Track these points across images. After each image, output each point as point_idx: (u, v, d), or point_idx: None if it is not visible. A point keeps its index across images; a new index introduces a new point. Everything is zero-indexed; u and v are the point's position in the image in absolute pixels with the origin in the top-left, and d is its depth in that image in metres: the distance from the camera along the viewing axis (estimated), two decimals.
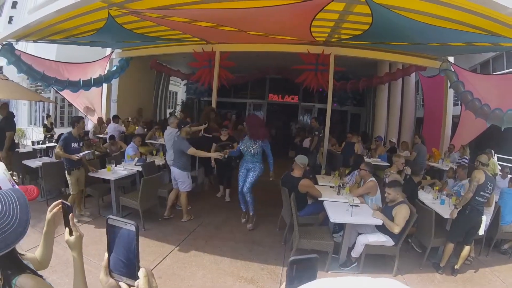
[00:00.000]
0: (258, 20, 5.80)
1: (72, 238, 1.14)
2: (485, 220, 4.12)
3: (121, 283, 0.81)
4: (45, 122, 11.71)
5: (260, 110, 16.36)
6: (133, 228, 0.78)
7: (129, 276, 0.80)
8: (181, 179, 5.24)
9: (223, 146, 6.23)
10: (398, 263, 4.07)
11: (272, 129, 14.64)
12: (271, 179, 5.14)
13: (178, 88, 19.76)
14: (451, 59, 8.19)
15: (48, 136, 10.43)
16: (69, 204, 1.17)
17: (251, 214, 5.32)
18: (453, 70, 7.54)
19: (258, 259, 4.19)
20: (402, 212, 3.89)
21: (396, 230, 3.84)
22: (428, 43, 6.22)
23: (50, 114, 13.25)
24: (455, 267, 4.20)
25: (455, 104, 10.30)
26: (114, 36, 7.41)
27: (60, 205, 1.20)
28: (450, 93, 8.73)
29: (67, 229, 1.15)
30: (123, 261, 0.81)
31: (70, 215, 1.14)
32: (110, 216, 0.81)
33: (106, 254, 0.83)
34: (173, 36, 7.65)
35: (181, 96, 19.44)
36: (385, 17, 4.93)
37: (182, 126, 5.43)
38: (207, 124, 7.01)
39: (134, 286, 0.78)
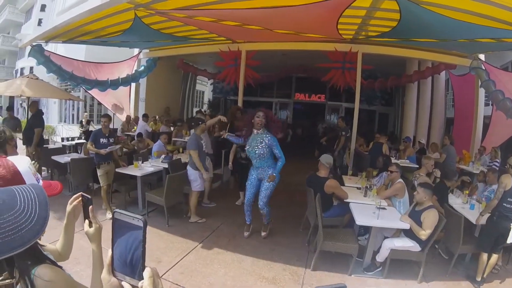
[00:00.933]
0: (284, 18, 5.74)
1: (91, 230, 1.16)
2: None
3: (123, 283, 0.78)
4: (82, 119, 12.17)
5: (287, 109, 16.32)
6: (141, 224, 0.74)
7: (133, 276, 0.76)
8: (193, 178, 5.26)
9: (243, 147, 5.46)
10: (423, 269, 3.92)
11: (298, 128, 14.60)
12: (268, 181, 4.52)
13: (205, 88, 20.14)
14: (482, 57, 7.83)
15: (82, 131, 10.85)
16: (88, 196, 1.19)
17: (265, 223, 4.84)
18: (484, 68, 7.24)
19: (280, 259, 4.16)
20: (430, 218, 3.73)
21: (423, 236, 3.70)
22: (457, 40, 5.98)
23: (86, 112, 13.78)
24: (482, 276, 3.96)
25: (486, 104, 9.82)
26: (142, 36, 7.57)
27: (80, 198, 1.22)
28: (481, 92, 8.35)
29: (86, 221, 1.17)
30: (128, 259, 0.76)
31: (90, 207, 1.16)
32: (117, 210, 0.78)
33: (109, 251, 0.80)
34: (200, 36, 7.73)
35: (208, 95, 19.77)
36: (413, 12, 4.77)
37: (192, 123, 5.51)
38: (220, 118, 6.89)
39: (137, 287, 0.75)
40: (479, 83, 7.49)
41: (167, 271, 3.67)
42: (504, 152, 8.27)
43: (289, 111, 16.39)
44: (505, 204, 3.81)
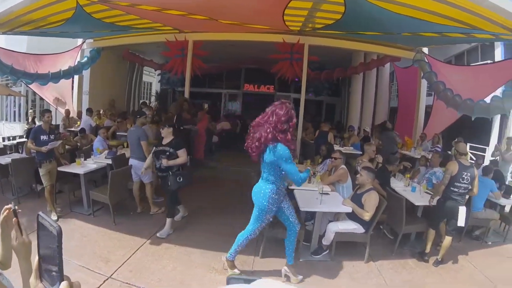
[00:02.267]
0: (229, 8, 5.71)
1: (14, 244, 1.05)
2: (463, 211, 4.14)
3: None
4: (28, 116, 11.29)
5: (236, 100, 16.32)
6: (55, 232, 0.67)
7: (52, 285, 0.70)
8: (140, 170, 5.10)
9: (159, 152, 4.57)
10: (369, 250, 4.16)
11: (248, 120, 14.68)
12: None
13: (152, 79, 19.36)
14: (425, 50, 8.35)
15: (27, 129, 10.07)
16: (15, 208, 1.09)
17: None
18: (426, 61, 7.68)
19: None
20: (371, 199, 3.96)
21: (367, 217, 3.91)
22: (401, 33, 6.28)
23: (32, 108, 12.86)
24: (438, 258, 4.29)
25: (428, 95, 10.56)
26: (84, 26, 7.18)
27: (8, 209, 1.12)
28: (424, 83, 8.93)
29: (13, 233, 1.06)
30: (48, 266, 0.71)
31: (14, 219, 1.05)
32: (40, 213, 0.72)
33: (37, 256, 0.74)
34: (145, 25, 7.47)
35: (155, 87, 19.05)
36: (358, 6, 4.95)
37: (138, 116, 5.36)
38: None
39: None
40: (422, 75, 7.94)
41: (116, 270, 3.54)
42: (446, 139, 8.93)
43: (239, 102, 16.43)
44: (452, 188, 4.14)
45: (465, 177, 4.08)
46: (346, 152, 8.00)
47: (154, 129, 6.94)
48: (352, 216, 4.08)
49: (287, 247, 3.62)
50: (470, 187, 4.16)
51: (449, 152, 8.63)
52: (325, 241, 4.07)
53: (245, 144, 3.40)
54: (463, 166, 4.13)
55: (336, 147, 7.26)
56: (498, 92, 6.80)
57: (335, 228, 3.99)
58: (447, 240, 4.23)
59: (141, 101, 14.49)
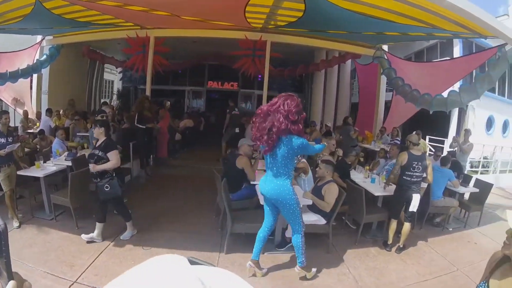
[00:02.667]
0: (190, 4, 5.67)
1: None
2: (416, 198, 4.35)
3: None
4: None
5: (200, 97, 16.20)
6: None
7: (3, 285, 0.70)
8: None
9: (89, 156, 4.21)
10: (332, 240, 4.33)
11: (211, 116, 14.63)
12: None
13: (114, 77, 18.69)
14: (385, 47, 8.66)
15: None
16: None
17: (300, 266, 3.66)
18: (386, 57, 7.97)
19: (195, 247, 4.16)
20: (331, 190, 4.12)
21: (327, 208, 4.06)
22: (363, 32, 6.47)
23: None
24: (400, 245, 4.52)
25: (388, 90, 11.01)
26: (43, 22, 6.87)
27: None
28: (383, 79, 9.26)
29: None
30: None
31: None
32: None
33: None
34: (106, 21, 7.24)
35: (117, 85, 18.45)
36: (317, 5, 5.03)
37: (96, 115, 5.23)
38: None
39: None
40: (381, 71, 8.21)
41: (81, 275, 3.46)
42: (408, 131, 9.33)
43: (203, 99, 16.35)
44: (404, 178, 4.39)
45: (416, 166, 4.32)
46: None
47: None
48: (313, 208, 4.21)
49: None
50: (424, 175, 4.43)
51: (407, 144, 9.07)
52: (288, 234, 4.14)
53: (253, 137, 3.28)
54: (414, 156, 4.37)
55: None
56: (456, 87, 7.20)
57: None
58: (406, 226, 4.46)
59: (102, 101, 14.05)
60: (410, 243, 4.75)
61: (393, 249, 4.52)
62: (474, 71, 8.05)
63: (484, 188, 6.02)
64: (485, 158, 11.93)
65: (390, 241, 4.55)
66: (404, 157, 4.37)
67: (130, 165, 6.73)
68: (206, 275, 0.48)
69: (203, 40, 8.64)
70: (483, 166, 11.42)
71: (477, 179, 6.67)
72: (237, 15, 6.25)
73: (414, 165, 4.32)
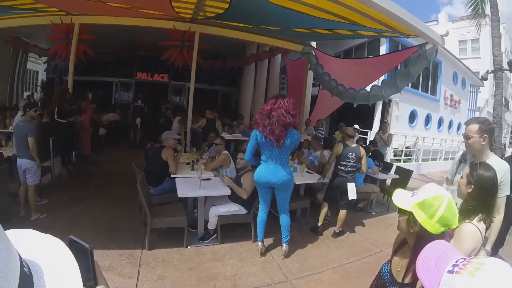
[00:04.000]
0: None
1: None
2: (352, 186, 4.64)
3: None
4: None
5: (129, 89, 15.53)
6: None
7: None
8: (33, 170, 4.56)
9: None
10: (254, 229, 4.31)
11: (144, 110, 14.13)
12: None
13: (39, 67, 17.11)
14: (313, 43, 8.92)
15: None
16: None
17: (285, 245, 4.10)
18: (314, 54, 8.17)
19: (117, 246, 3.96)
20: (248, 178, 4.19)
21: (245, 194, 4.14)
22: (292, 29, 6.56)
23: None
24: (336, 230, 4.79)
25: (314, 85, 11.50)
26: None
27: None
28: (310, 74, 9.52)
29: None
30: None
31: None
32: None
33: None
34: (28, 6, 6.50)
35: (42, 76, 16.97)
36: None
37: (27, 109, 4.74)
38: None
39: None
40: (309, 66, 8.39)
41: None
42: (334, 123, 9.74)
43: (131, 91, 15.66)
44: (339, 167, 4.66)
45: (350, 156, 4.61)
46: (235, 139, 8.35)
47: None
48: (233, 198, 4.23)
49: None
50: (358, 166, 4.71)
51: (334, 136, 9.58)
52: (210, 226, 4.14)
53: (266, 132, 3.54)
54: (348, 147, 4.65)
55: (225, 135, 7.49)
56: (379, 82, 7.62)
57: (216, 211, 4.08)
58: (342, 213, 4.73)
59: (26, 94, 12.83)
60: (333, 229, 4.97)
61: (328, 234, 4.82)
62: (397, 67, 8.64)
63: (405, 174, 6.53)
64: (407, 148, 12.97)
65: (320, 223, 4.80)
66: (339, 148, 4.66)
67: (50, 163, 6.18)
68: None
69: (132, 29, 8.19)
70: (406, 155, 12.38)
71: (398, 167, 7.21)
72: (164, 4, 5.98)
73: (348, 155, 4.61)
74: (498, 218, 2.38)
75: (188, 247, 4.01)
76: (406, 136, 12.79)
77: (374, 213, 5.98)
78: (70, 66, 7.69)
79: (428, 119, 17.04)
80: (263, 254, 4.00)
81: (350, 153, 4.61)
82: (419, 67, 5.67)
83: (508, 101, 29.50)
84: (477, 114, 21.88)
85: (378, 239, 4.87)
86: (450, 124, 19.31)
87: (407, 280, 1.42)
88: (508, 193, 2.48)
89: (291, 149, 3.78)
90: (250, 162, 3.93)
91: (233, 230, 4.37)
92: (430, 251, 1.05)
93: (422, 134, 14.08)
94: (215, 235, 4.21)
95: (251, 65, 12.46)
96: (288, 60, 10.74)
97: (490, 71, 12.79)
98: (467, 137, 2.57)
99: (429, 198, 1.34)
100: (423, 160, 12.80)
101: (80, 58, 7.96)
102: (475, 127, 2.52)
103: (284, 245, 4.03)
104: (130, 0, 5.98)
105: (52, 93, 13.64)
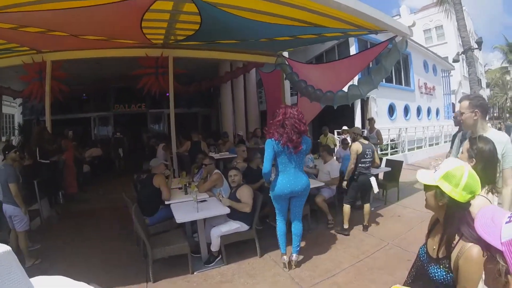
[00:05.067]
0: (85, 22, 5.25)
1: None
2: (374, 180, 4.87)
3: None
4: None
5: (107, 123, 15.36)
6: None
7: None
8: (19, 217, 4.37)
9: None
10: (261, 244, 4.29)
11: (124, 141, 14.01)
12: None
13: (14, 110, 16.74)
14: (285, 54, 9.04)
15: None
16: None
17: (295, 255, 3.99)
18: (287, 63, 8.26)
19: (120, 282, 3.76)
20: (244, 191, 4.21)
21: (247, 208, 4.11)
22: (258, 39, 6.63)
23: None
24: (364, 223, 5.01)
25: (293, 95, 11.60)
26: None
27: None
28: (287, 84, 9.71)
29: None
30: None
31: None
32: None
33: None
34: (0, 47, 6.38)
35: (18, 119, 16.61)
36: (212, 15, 5.01)
37: (7, 152, 4.56)
38: None
39: None
40: (284, 76, 8.52)
41: None
42: (316, 127, 9.78)
43: (110, 124, 15.55)
44: (360, 165, 4.81)
45: (368, 153, 4.84)
46: (223, 157, 8.30)
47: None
48: (233, 216, 4.15)
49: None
50: (372, 159, 4.91)
51: (319, 140, 9.67)
52: (213, 248, 4.04)
53: (283, 140, 3.59)
54: (364, 144, 4.87)
55: (212, 154, 7.47)
56: (355, 81, 7.74)
57: (218, 232, 4.00)
58: (367, 207, 5.00)
59: (3, 138, 12.48)
60: (334, 230, 5.00)
61: (351, 231, 4.96)
62: (370, 64, 8.79)
63: (396, 166, 6.62)
64: (392, 140, 13.18)
65: (346, 225, 4.90)
66: (358, 147, 4.81)
67: (38, 206, 5.97)
68: None
69: (106, 61, 8.10)
70: (391, 148, 12.55)
71: (387, 159, 7.29)
72: (134, 31, 5.95)
73: (367, 152, 4.82)
74: (508, 189, 2.42)
75: (195, 273, 3.89)
76: (389, 129, 12.99)
77: (373, 209, 5.96)
78: (47, 105, 7.53)
79: (406, 110, 17.40)
80: (290, 267, 3.92)
81: (368, 150, 4.83)
82: (392, 61, 5.80)
83: (480, 79, 30.68)
84: (452, 97, 22.57)
85: (383, 233, 4.91)
86: (429, 111, 19.80)
87: (441, 255, 1.51)
88: None
89: (306, 154, 3.97)
90: (267, 175, 3.77)
91: (237, 248, 4.29)
92: (484, 214, 1.21)
93: (403, 125, 14.35)
94: (219, 257, 4.12)
95: (227, 83, 12.54)
96: (263, 73, 10.82)
97: (460, 53, 13.29)
98: (460, 113, 2.66)
99: (451, 169, 1.45)
100: (409, 150, 13.04)
101: (56, 96, 7.80)
102: (465, 103, 2.59)
103: (295, 255, 3.95)
104: (102, 30, 5.94)
105: (30, 135, 13.43)
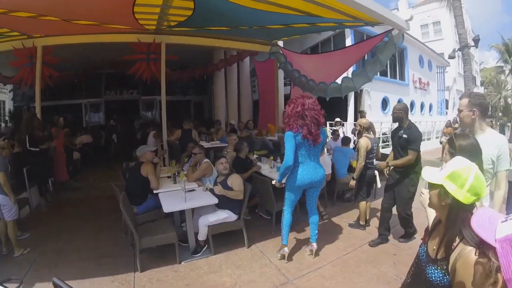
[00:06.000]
0: (77, 7, 5.13)
1: None
2: (377, 174, 4.79)
3: None
4: None
5: (99, 109, 15.20)
6: None
7: None
8: (8, 206, 4.31)
9: None
10: (249, 234, 4.31)
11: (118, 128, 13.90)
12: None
13: (5, 96, 16.50)
14: (280, 43, 8.96)
15: None
16: None
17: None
18: (281, 52, 8.19)
19: (108, 272, 3.78)
20: (235, 179, 4.23)
21: (241, 194, 4.15)
22: (252, 27, 6.54)
23: None
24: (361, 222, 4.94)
25: (286, 84, 11.52)
26: None
27: None
28: (280, 74, 9.63)
29: None
30: None
31: None
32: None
33: None
34: None
35: (9, 105, 16.38)
36: (205, 0, 4.94)
37: None
38: None
39: None
40: (278, 65, 8.44)
41: None
42: None
43: (101, 111, 15.41)
44: (368, 160, 4.67)
45: (375, 147, 4.74)
46: (214, 146, 8.27)
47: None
48: (221, 205, 4.15)
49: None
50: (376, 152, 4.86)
51: None
52: (200, 237, 4.04)
53: (303, 132, 3.56)
54: (371, 139, 4.71)
55: (203, 143, 7.40)
56: (350, 73, 7.70)
57: (205, 221, 3.98)
58: (368, 204, 4.92)
59: None
60: (326, 222, 5.03)
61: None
62: (365, 57, 8.74)
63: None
64: (384, 134, 13.24)
65: (363, 222, 4.90)
66: (368, 143, 4.59)
67: (27, 194, 5.90)
68: None
69: (96, 46, 7.96)
70: (383, 141, 12.61)
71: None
72: (127, 16, 5.84)
73: (374, 147, 4.70)
74: (499, 193, 2.41)
75: (182, 263, 3.89)
76: (381, 123, 13.03)
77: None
78: (37, 91, 7.41)
79: None
80: (289, 259, 3.94)
81: (375, 145, 4.73)
82: (388, 54, 5.73)
83: (475, 77, 30.87)
84: (446, 94, 22.68)
85: (371, 226, 4.93)
86: (422, 106, 19.90)
87: (439, 256, 1.47)
88: (509, 167, 2.46)
89: (323, 146, 3.98)
90: (290, 168, 3.67)
91: (225, 238, 4.28)
92: (481, 214, 1.19)
93: None
94: (206, 247, 4.12)
95: (220, 71, 12.41)
96: (257, 62, 10.73)
97: (457, 49, 13.32)
98: (459, 111, 2.60)
99: (458, 169, 1.41)
100: None
101: (47, 82, 7.68)
102: (465, 101, 2.53)
103: (315, 244, 4.02)
104: (94, 16, 5.82)
105: (21, 122, 13.28)
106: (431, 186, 1.51)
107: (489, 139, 2.32)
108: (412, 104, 18.60)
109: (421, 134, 4.17)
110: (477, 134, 2.44)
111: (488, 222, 1.12)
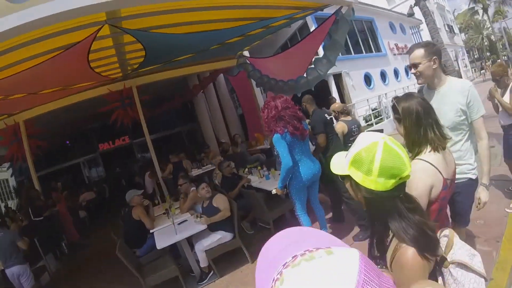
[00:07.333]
0: (38, 79, 5.33)
1: None
2: None
3: None
4: None
5: (96, 164, 15.49)
6: None
7: None
8: (25, 275, 4.56)
9: None
10: (251, 248, 4.33)
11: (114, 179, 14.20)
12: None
13: (6, 174, 16.95)
14: (246, 53, 9.07)
15: None
16: None
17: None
18: (248, 62, 8.27)
19: None
20: (220, 199, 4.26)
21: (228, 212, 4.15)
22: (209, 48, 6.68)
23: None
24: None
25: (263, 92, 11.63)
26: None
27: None
28: (254, 83, 9.63)
29: None
30: None
31: None
32: None
33: None
34: None
35: (12, 182, 16.81)
36: (149, 39, 4.97)
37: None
38: None
39: None
40: (247, 75, 8.48)
41: None
42: None
43: (100, 165, 15.74)
44: (349, 144, 4.33)
45: (355, 129, 4.47)
46: (206, 171, 8.41)
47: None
48: (212, 228, 4.19)
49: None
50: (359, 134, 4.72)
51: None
52: (202, 263, 4.13)
53: (290, 130, 3.54)
54: (349, 121, 4.53)
55: (195, 171, 7.52)
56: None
57: (201, 247, 4.07)
58: None
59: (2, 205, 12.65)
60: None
61: None
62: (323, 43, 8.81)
63: None
64: (374, 109, 13.25)
65: None
66: (343, 127, 4.44)
67: (44, 262, 6.13)
68: None
69: (72, 107, 8.19)
70: (375, 117, 12.62)
71: (367, 132, 7.28)
72: (88, 73, 6.02)
73: (353, 129, 4.46)
74: (482, 143, 2.21)
75: None
76: (367, 99, 13.06)
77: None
78: (29, 163, 7.68)
79: (383, 76, 17.48)
80: None
81: (354, 126, 4.48)
82: (343, 33, 5.57)
83: (452, 26, 30.78)
84: None
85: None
86: (407, 71, 19.85)
87: (377, 253, 1.25)
88: (484, 112, 2.19)
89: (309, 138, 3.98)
90: (291, 169, 3.54)
91: (229, 258, 4.35)
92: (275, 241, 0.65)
93: (383, 92, 14.41)
94: (211, 272, 4.20)
95: (199, 96, 12.57)
96: (231, 77, 10.87)
97: (413, 5, 13.44)
98: (415, 65, 2.23)
99: (359, 151, 1.10)
100: None
101: (36, 153, 7.95)
102: (420, 51, 2.20)
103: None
104: (55, 82, 6.00)
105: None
106: (344, 178, 1.22)
107: (452, 87, 2.13)
108: (396, 72, 18.61)
109: (322, 118, 4.21)
110: (438, 87, 2.23)
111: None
